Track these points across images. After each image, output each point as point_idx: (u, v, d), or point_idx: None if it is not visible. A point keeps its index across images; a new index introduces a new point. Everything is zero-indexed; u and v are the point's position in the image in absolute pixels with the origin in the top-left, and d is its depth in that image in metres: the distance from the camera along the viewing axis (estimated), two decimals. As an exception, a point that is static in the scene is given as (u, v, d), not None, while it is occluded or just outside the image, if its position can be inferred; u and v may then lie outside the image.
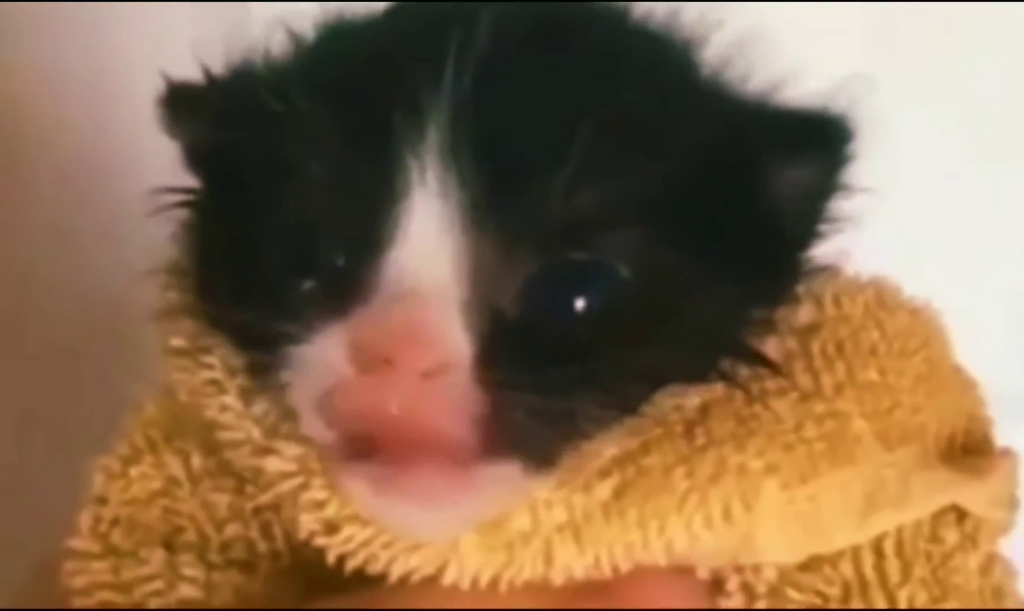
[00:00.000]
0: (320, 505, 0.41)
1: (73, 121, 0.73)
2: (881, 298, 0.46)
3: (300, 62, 0.44)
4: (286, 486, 0.41)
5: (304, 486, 0.41)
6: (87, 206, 0.73)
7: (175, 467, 0.46)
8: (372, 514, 0.40)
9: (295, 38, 0.45)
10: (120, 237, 0.72)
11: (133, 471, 0.46)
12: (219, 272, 0.44)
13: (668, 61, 0.44)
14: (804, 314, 0.44)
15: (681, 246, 0.40)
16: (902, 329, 0.45)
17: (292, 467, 0.41)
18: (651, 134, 0.40)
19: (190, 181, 0.46)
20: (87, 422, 0.71)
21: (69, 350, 0.73)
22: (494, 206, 0.39)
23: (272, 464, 0.42)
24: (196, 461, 0.46)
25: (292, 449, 0.41)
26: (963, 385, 0.46)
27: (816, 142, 0.42)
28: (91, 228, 0.73)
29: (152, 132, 0.72)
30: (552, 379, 0.38)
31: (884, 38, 0.70)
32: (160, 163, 0.72)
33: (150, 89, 0.72)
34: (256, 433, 0.42)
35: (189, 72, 0.71)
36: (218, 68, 0.45)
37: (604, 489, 0.40)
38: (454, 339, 0.38)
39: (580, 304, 0.39)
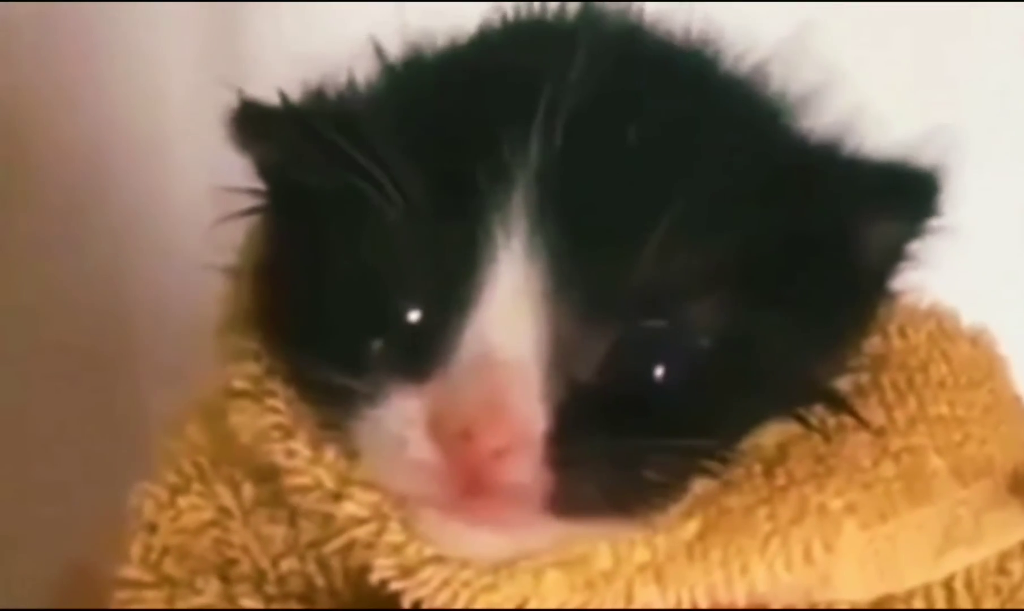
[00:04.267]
0: (398, 548, 0.40)
1: (76, 125, 0.71)
2: (943, 327, 0.46)
3: (381, 100, 0.43)
4: (360, 531, 0.41)
5: (380, 531, 0.40)
6: (91, 209, 0.72)
7: (226, 497, 0.45)
8: (443, 540, 0.40)
9: (381, 61, 0.44)
10: (125, 239, 0.71)
11: (182, 501, 0.45)
12: (287, 318, 0.42)
13: (756, 115, 0.43)
14: (873, 346, 0.44)
15: (762, 308, 0.39)
16: (967, 360, 0.45)
17: (366, 513, 0.41)
18: (737, 203, 0.39)
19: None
20: (87, 423, 0.71)
21: (71, 351, 0.72)
22: (579, 274, 0.38)
23: (345, 510, 0.41)
24: (247, 490, 0.45)
25: (366, 495, 0.41)
26: (1022, 414, 0.46)
27: (909, 199, 0.41)
28: (95, 230, 0.73)
29: (153, 137, 0.72)
30: (624, 455, 0.38)
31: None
32: (164, 166, 0.72)
33: (153, 93, 0.72)
34: (327, 479, 0.41)
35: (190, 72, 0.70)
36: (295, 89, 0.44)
37: (688, 529, 0.40)
38: (531, 417, 0.38)
39: (659, 372, 0.39)
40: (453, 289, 0.38)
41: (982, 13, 0.75)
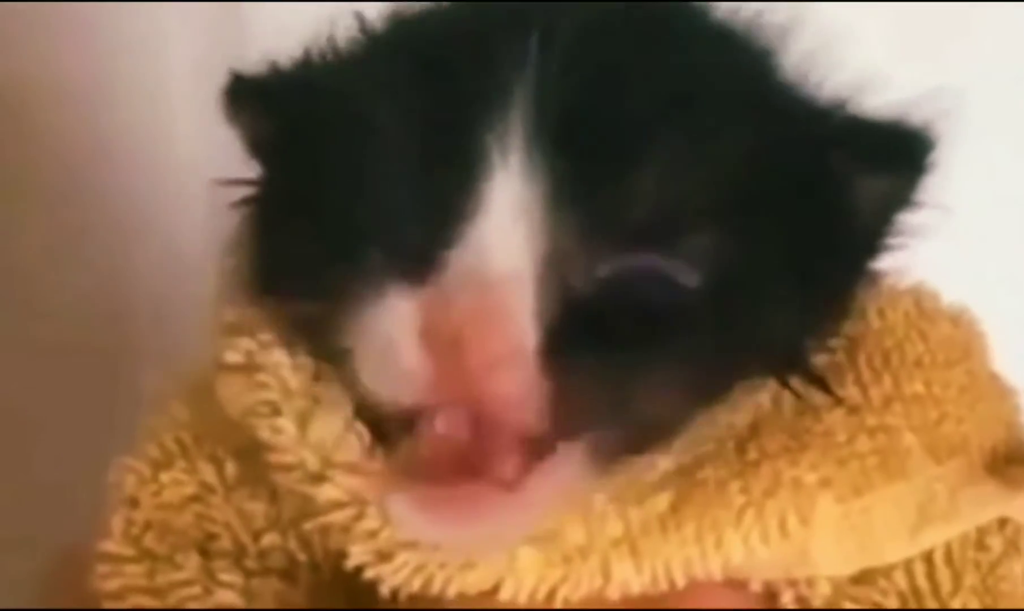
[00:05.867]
0: (373, 534, 0.40)
1: (76, 120, 0.72)
2: (921, 307, 0.46)
3: (373, 45, 0.43)
4: (338, 516, 0.41)
5: (358, 516, 0.40)
6: (91, 205, 0.72)
7: (208, 474, 0.45)
8: (417, 535, 0.40)
9: (362, 28, 0.44)
10: (126, 234, 0.71)
11: (164, 476, 0.45)
12: (284, 258, 0.42)
13: (750, 62, 0.43)
14: (850, 325, 0.44)
15: (753, 249, 0.40)
16: (944, 339, 0.45)
17: (345, 497, 0.41)
18: (733, 136, 0.39)
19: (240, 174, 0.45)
20: (88, 419, 0.71)
21: (71, 348, 0.72)
22: (576, 193, 0.38)
23: (325, 493, 0.41)
24: (230, 468, 0.45)
25: (347, 479, 0.41)
26: (1001, 393, 0.46)
27: (900, 153, 0.42)
28: (94, 225, 0.72)
29: (153, 131, 0.72)
30: (619, 365, 0.38)
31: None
32: (165, 160, 0.72)
33: (154, 88, 0.72)
34: (311, 460, 0.41)
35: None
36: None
37: (660, 502, 0.40)
38: (524, 327, 0.38)
39: (650, 303, 0.39)
40: (450, 202, 0.38)
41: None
